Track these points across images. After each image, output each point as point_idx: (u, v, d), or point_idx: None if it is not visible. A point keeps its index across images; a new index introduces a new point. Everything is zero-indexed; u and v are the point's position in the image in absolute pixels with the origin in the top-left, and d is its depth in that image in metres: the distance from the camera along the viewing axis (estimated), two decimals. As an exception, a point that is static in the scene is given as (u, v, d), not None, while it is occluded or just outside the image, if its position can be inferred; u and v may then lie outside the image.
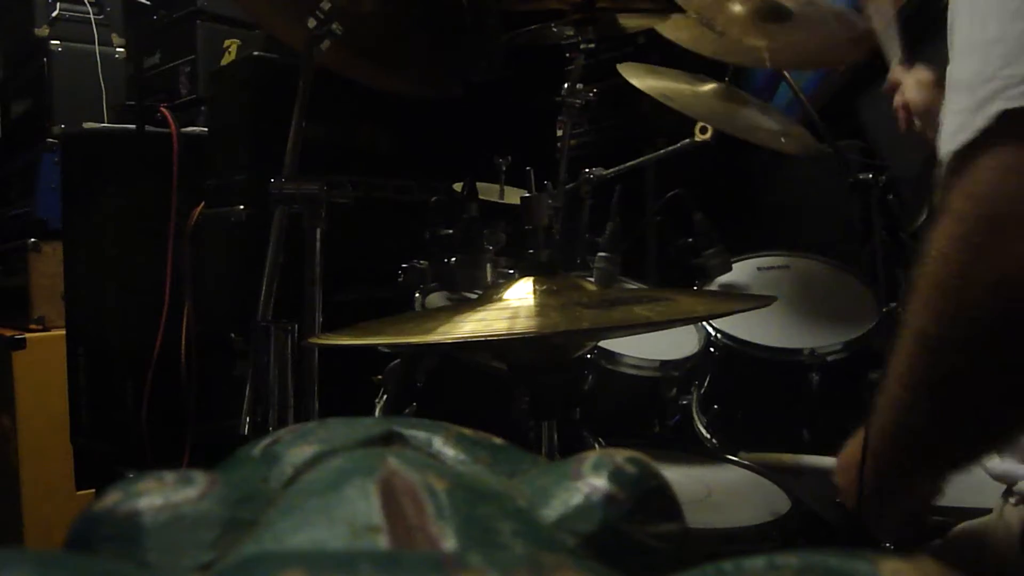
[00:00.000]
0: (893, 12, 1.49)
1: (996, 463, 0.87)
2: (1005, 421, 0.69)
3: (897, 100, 1.41)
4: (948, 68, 0.66)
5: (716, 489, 1.22)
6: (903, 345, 0.67)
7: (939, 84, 1.37)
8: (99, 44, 2.75)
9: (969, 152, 0.61)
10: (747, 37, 1.62)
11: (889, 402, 0.70)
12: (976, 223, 0.59)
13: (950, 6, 0.69)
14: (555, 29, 1.71)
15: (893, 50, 1.46)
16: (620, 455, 0.36)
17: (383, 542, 0.29)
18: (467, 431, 0.40)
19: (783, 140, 1.64)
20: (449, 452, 0.39)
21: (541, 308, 0.86)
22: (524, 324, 0.81)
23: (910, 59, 1.45)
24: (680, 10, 1.61)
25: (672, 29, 1.63)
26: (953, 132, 0.62)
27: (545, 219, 0.98)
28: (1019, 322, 0.59)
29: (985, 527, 0.89)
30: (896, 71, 1.43)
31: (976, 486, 0.92)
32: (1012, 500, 0.85)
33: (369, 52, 1.38)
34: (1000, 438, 0.77)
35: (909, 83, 1.39)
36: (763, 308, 1.26)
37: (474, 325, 0.84)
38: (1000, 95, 0.59)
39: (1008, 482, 0.87)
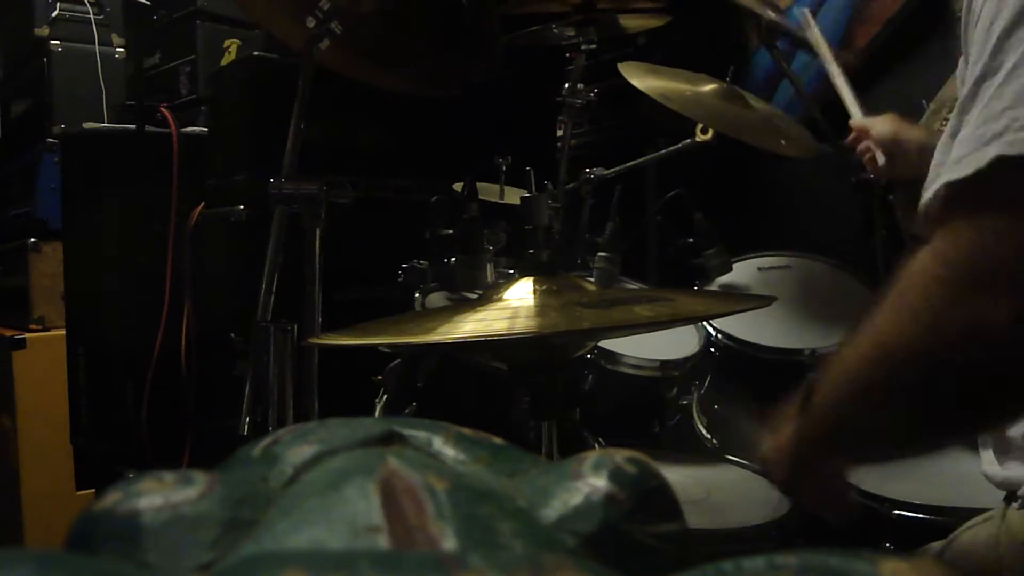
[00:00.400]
0: (841, 73, 1.58)
1: (997, 469, 0.87)
2: (935, 436, 0.73)
3: (862, 147, 1.44)
4: (962, 86, 0.68)
5: (716, 489, 1.22)
6: (861, 344, 0.70)
7: (905, 120, 1.43)
8: (99, 44, 2.75)
9: (961, 192, 0.62)
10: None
11: (830, 390, 0.74)
12: (954, 271, 0.62)
13: (964, 21, 0.69)
14: (556, 30, 1.71)
15: (851, 105, 1.53)
16: (620, 455, 0.36)
17: (383, 542, 0.29)
18: (467, 431, 0.40)
19: (783, 141, 1.64)
20: (449, 452, 0.39)
21: (541, 308, 0.86)
22: (524, 324, 0.81)
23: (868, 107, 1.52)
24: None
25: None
26: (955, 161, 0.63)
27: (545, 219, 0.98)
28: (977, 364, 0.62)
29: (988, 532, 0.88)
30: (858, 120, 1.48)
31: (976, 487, 0.92)
32: (1016, 504, 0.85)
33: (369, 52, 1.38)
34: (921, 447, 0.83)
35: (875, 121, 1.43)
36: (763, 308, 1.26)
37: (474, 325, 0.83)
38: (999, 138, 0.60)
39: (1011, 488, 0.86)
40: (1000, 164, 0.59)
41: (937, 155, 0.69)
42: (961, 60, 0.74)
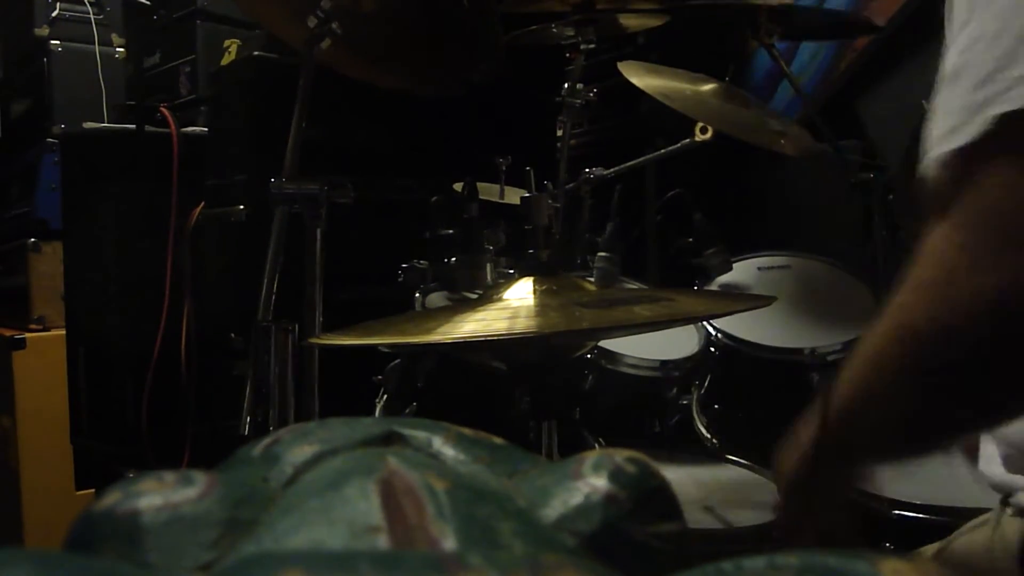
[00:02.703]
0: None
1: (999, 472, 0.87)
2: (968, 425, 0.70)
3: None
4: (945, 60, 0.65)
5: (716, 489, 1.22)
6: (881, 332, 0.67)
7: None
8: (99, 44, 2.75)
9: (970, 156, 0.60)
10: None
11: (850, 386, 0.71)
12: (977, 235, 0.59)
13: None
14: (555, 30, 1.71)
15: None
16: (620, 455, 0.36)
17: (383, 542, 0.29)
18: (467, 431, 0.40)
19: (783, 141, 1.64)
20: (449, 452, 0.39)
21: (541, 308, 0.86)
22: (524, 324, 0.81)
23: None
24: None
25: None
26: (949, 131, 0.61)
27: (545, 219, 0.98)
28: (1006, 331, 0.59)
29: (983, 537, 0.88)
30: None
31: (976, 487, 0.92)
32: (1009, 511, 0.85)
33: (369, 50, 1.38)
34: (961, 433, 0.78)
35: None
36: (763, 308, 1.26)
37: (474, 325, 0.83)
38: (1001, 97, 0.58)
39: (1005, 492, 0.86)
40: (1007, 119, 0.57)
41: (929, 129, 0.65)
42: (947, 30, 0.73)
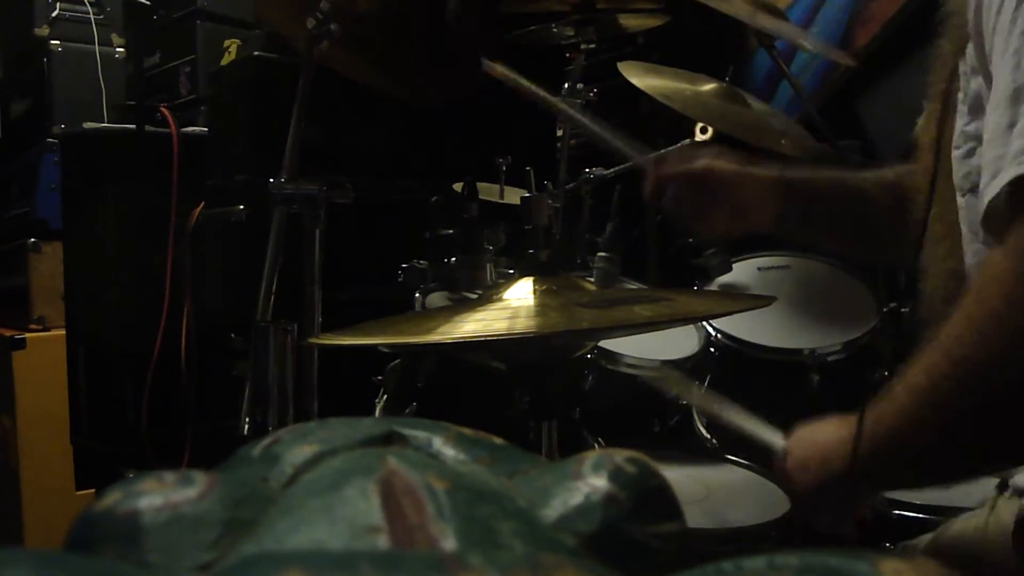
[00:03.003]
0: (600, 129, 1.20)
1: None
2: (1011, 458, 0.70)
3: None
4: (997, 75, 0.66)
5: (716, 489, 1.22)
6: (933, 361, 0.66)
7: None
8: (99, 44, 2.75)
9: (1003, 212, 0.61)
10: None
11: (896, 415, 0.70)
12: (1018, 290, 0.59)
13: (986, 33, 0.68)
14: (555, 30, 1.71)
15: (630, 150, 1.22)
16: (620, 455, 0.36)
17: (383, 542, 0.29)
18: (467, 431, 0.40)
19: (783, 141, 1.64)
20: (449, 452, 0.39)
21: (541, 308, 0.86)
22: (524, 324, 0.81)
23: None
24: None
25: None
26: (985, 183, 0.62)
27: (545, 219, 0.98)
28: None
29: (977, 521, 0.88)
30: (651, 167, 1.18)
31: (976, 486, 0.92)
32: (1007, 494, 0.85)
33: (363, 52, 1.38)
34: (991, 469, 0.80)
35: (704, 152, 1.13)
36: (763, 308, 1.26)
37: (474, 325, 0.83)
38: (1016, 160, 0.59)
39: (1003, 476, 0.87)
40: (1015, 185, 0.58)
41: (989, 149, 0.65)
42: (970, 47, 0.72)
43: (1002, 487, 0.87)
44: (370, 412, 1.41)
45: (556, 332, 0.83)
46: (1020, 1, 0.62)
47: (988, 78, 0.68)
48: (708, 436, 1.45)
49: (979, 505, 0.93)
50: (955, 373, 0.64)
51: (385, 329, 0.94)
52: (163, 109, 2.16)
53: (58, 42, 2.70)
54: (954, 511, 1.02)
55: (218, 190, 1.92)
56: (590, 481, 0.35)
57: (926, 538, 0.95)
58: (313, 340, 1.14)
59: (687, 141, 1.72)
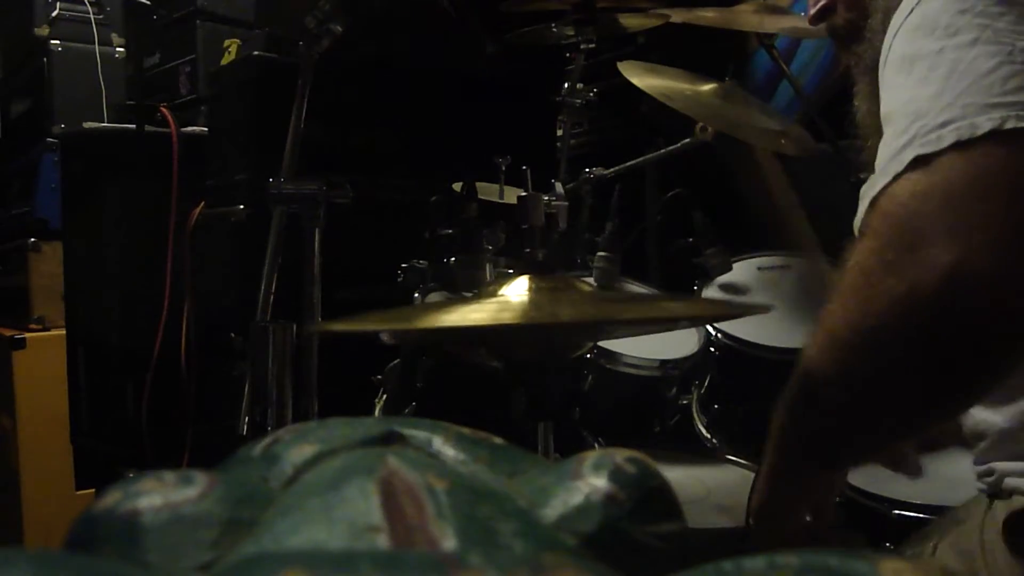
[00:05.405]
0: None
1: (1005, 466, 0.87)
2: (904, 423, 0.73)
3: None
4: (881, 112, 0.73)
5: (716, 489, 1.22)
6: (815, 344, 0.72)
7: None
8: (99, 44, 2.74)
9: (888, 187, 0.67)
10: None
11: (791, 398, 0.76)
12: (887, 238, 0.65)
13: (881, 62, 0.76)
14: (555, 29, 1.71)
15: None
16: (620, 455, 0.36)
17: (383, 542, 0.29)
18: (467, 431, 0.40)
19: (783, 141, 1.64)
20: (449, 452, 0.39)
21: (533, 303, 0.86)
22: (510, 317, 0.81)
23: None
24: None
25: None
26: (876, 178, 0.68)
27: (541, 219, 0.98)
28: (921, 328, 0.63)
29: (975, 521, 0.88)
30: None
31: (958, 484, 0.92)
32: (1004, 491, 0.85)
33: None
34: (893, 439, 0.83)
35: None
36: (763, 308, 1.26)
37: (458, 315, 0.84)
38: (911, 145, 0.66)
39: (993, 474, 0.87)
40: (915, 161, 0.65)
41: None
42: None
43: (996, 486, 0.87)
44: (370, 412, 1.41)
45: (552, 323, 0.84)
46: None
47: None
48: (708, 436, 1.45)
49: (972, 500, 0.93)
50: (829, 348, 0.72)
51: (383, 321, 0.95)
52: (163, 109, 2.16)
53: (58, 42, 2.70)
54: (939, 510, 1.02)
55: (218, 190, 1.92)
56: (590, 481, 0.35)
57: (924, 538, 0.95)
58: (315, 327, 1.15)
59: (687, 141, 1.72)
